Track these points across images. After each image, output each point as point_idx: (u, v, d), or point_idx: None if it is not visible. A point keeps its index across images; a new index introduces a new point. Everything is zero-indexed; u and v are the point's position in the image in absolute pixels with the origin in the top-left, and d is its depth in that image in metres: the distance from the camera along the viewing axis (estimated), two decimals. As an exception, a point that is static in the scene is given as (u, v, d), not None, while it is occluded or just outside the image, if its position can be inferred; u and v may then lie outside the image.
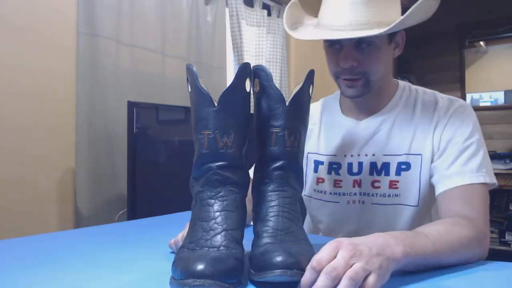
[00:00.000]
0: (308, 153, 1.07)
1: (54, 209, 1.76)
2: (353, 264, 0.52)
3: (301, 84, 0.67)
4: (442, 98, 0.95)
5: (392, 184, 0.95)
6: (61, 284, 0.60)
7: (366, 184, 0.97)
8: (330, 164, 1.02)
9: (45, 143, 1.71)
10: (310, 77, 0.68)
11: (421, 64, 3.77)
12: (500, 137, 3.48)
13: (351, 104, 1.02)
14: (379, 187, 0.96)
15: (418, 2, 0.76)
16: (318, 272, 0.51)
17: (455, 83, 3.65)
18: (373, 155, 0.97)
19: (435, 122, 0.92)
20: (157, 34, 2.13)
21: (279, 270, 0.54)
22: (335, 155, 1.02)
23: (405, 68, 3.62)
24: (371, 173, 0.96)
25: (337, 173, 1.01)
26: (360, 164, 0.98)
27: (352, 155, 0.99)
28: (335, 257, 0.53)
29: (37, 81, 1.69)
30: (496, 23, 3.47)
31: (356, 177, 0.98)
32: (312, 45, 3.37)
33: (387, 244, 0.57)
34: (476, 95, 3.66)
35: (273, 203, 0.63)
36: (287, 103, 0.65)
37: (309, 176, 1.07)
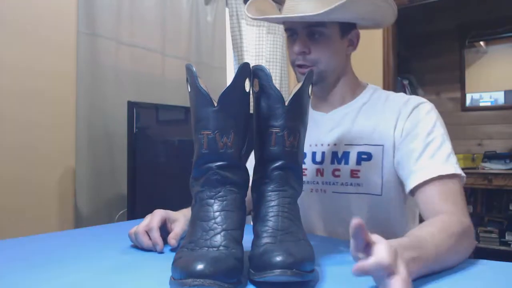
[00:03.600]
0: None
1: (54, 209, 1.76)
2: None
3: (300, 84, 0.67)
4: (407, 96, 0.99)
5: (353, 174, 0.97)
6: (61, 284, 0.60)
7: (327, 173, 1.00)
8: None
9: (45, 143, 1.71)
10: (309, 77, 0.68)
11: (421, 64, 3.77)
12: (500, 137, 3.47)
13: (318, 99, 1.07)
14: (339, 176, 0.98)
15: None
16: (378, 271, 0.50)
17: (455, 83, 3.64)
18: (335, 144, 1.00)
19: (397, 114, 0.95)
20: (157, 34, 2.13)
21: (278, 270, 0.54)
22: None
23: (405, 68, 3.62)
24: (332, 162, 1.00)
25: (303, 162, 1.03)
26: (323, 153, 1.01)
27: (316, 145, 1.03)
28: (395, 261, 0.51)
29: (37, 81, 1.69)
30: (496, 23, 3.47)
31: (319, 166, 1.01)
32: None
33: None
34: (476, 95, 3.65)
35: (272, 203, 0.63)
36: (286, 103, 0.65)
37: None
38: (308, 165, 1.03)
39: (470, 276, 0.65)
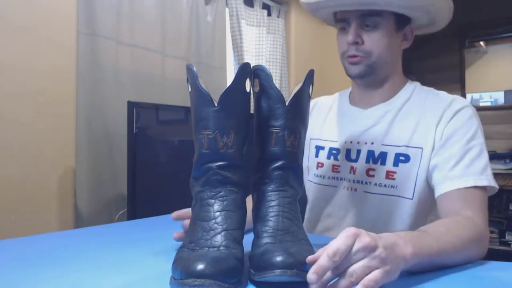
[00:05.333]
0: (311, 139, 1.10)
1: (54, 209, 1.76)
2: (362, 258, 0.51)
3: (301, 84, 0.67)
4: (450, 97, 0.97)
5: (389, 175, 0.94)
6: (61, 284, 0.60)
7: (361, 171, 0.98)
8: (330, 149, 1.04)
9: (45, 143, 1.71)
10: (310, 77, 0.68)
11: (421, 64, 3.77)
12: (500, 137, 3.48)
13: (359, 94, 1.04)
14: (373, 176, 0.96)
15: None
16: (334, 263, 0.50)
17: (455, 83, 3.65)
18: (372, 143, 0.97)
19: (439, 117, 0.92)
20: (157, 34, 2.13)
21: (279, 270, 0.54)
22: (336, 141, 1.04)
23: (405, 68, 3.62)
24: (367, 161, 0.97)
25: (336, 158, 1.03)
26: (359, 151, 0.99)
27: (351, 142, 1.01)
28: (351, 245, 0.52)
29: (37, 81, 1.69)
30: (496, 23, 3.47)
31: (353, 164, 0.99)
32: (312, 45, 3.37)
33: (396, 243, 0.57)
34: (476, 95, 3.66)
35: (273, 203, 0.63)
36: (287, 103, 0.65)
37: (310, 161, 1.10)
38: (341, 162, 1.01)
39: (470, 276, 0.65)
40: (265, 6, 2.92)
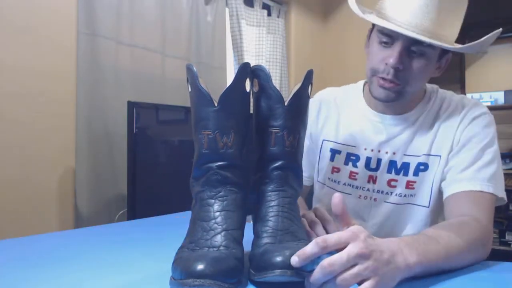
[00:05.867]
0: (324, 140, 1.05)
1: (54, 209, 1.76)
2: (355, 265, 0.51)
3: (300, 84, 0.67)
4: (469, 102, 0.95)
5: (409, 185, 0.94)
6: (61, 284, 0.60)
7: (382, 181, 0.96)
8: (348, 155, 1.00)
9: (45, 143, 1.71)
10: (308, 77, 0.68)
11: (421, 64, 3.77)
12: (500, 137, 3.45)
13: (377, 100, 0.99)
14: (395, 187, 0.95)
15: (493, 33, 0.85)
16: (319, 249, 0.51)
17: (455, 83, 3.64)
18: (394, 153, 0.95)
19: (457, 123, 0.91)
20: (157, 34, 2.13)
21: (279, 270, 0.54)
22: (354, 147, 0.99)
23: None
24: (389, 171, 0.95)
25: (354, 165, 0.99)
26: (379, 160, 0.96)
27: (372, 150, 0.97)
28: (345, 239, 0.52)
29: (37, 81, 1.69)
30: (496, 23, 3.47)
31: (373, 173, 0.97)
32: (312, 45, 3.37)
33: (400, 252, 0.56)
34: (476, 95, 3.65)
35: (272, 203, 0.63)
36: (286, 103, 0.65)
37: (323, 163, 1.05)
38: (360, 170, 0.98)
39: (470, 276, 0.65)
40: (265, 6, 2.92)
